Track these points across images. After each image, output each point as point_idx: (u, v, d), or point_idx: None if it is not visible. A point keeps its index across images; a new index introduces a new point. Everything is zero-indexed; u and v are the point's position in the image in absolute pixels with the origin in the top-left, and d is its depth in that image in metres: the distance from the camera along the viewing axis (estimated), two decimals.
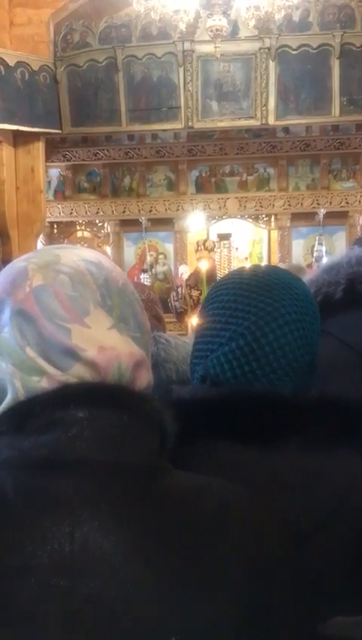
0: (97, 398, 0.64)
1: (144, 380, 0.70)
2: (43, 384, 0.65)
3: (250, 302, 0.85)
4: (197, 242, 6.62)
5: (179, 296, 6.45)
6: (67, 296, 0.66)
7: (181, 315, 6.42)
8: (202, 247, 6.43)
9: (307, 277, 1.26)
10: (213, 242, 6.77)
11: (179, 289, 6.56)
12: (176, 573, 0.59)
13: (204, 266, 6.11)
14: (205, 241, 6.63)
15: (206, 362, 0.87)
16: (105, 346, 0.66)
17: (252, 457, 0.80)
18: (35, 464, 0.62)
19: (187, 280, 6.52)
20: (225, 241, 6.97)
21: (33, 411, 0.63)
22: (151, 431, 0.67)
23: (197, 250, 6.50)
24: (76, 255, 0.70)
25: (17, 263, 0.71)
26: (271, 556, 0.65)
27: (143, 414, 0.66)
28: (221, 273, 6.84)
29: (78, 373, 0.65)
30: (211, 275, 6.17)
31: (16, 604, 0.57)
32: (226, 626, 0.60)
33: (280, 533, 0.68)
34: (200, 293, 6.09)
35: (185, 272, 6.79)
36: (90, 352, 0.65)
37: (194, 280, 6.35)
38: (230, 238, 7.11)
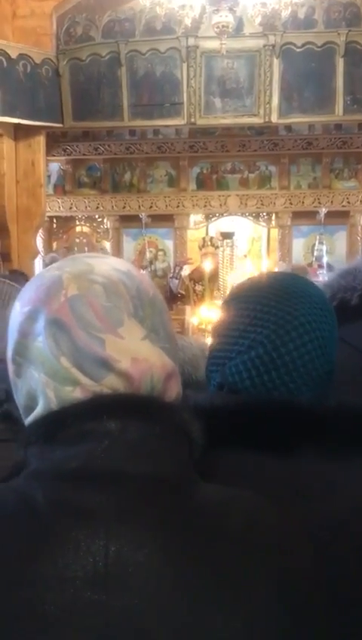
0: (129, 409, 0.64)
1: (174, 391, 0.70)
2: (76, 394, 0.64)
3: (269, 310, 0.85)
4: (203, 239, 6.60)
5: (176, 274, 6.30)
6: (102, 307, 0.66)
7: (175, 299, 6.25)
8: (209, 243, 6.42)
9: (320, 280, 1.25)
10: (217, 240, 6.75)
11: (177, 268, 6.42)
12: (207, 587, 0.59)
13: (208, 265, 6.07)
14: (211, 237, 6.62)
15: (224, 370, 0.86)
16: (139, 357, 0.66)
17: (270, 466, 0.79)
18: (67, 475, 0.61)
19: (190, 274, 6.47)
20: (228, 240, 6.94)
21: (65, 422, 0.63)
22: (181, 442, 0.67)
23: (203, 246, 6.45)
24: (108, 264, 0.70)
25: (50, 272, 0.70)
26: (299, 570, 0.65)
27: (174, 426, 0.66)
28: (223, 272, 6.82)
29: (111, 384, 0.65)
30: (214, 273, 6.15)
31: (49, 614, 0.57)
32: None
33: (306, 546, 0.68)
34: (204, 289, 6.07)
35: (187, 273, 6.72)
36: (124, 363, 0.65)
37: (199, 275, 6.30)
38: (233, 237, 7.08)
